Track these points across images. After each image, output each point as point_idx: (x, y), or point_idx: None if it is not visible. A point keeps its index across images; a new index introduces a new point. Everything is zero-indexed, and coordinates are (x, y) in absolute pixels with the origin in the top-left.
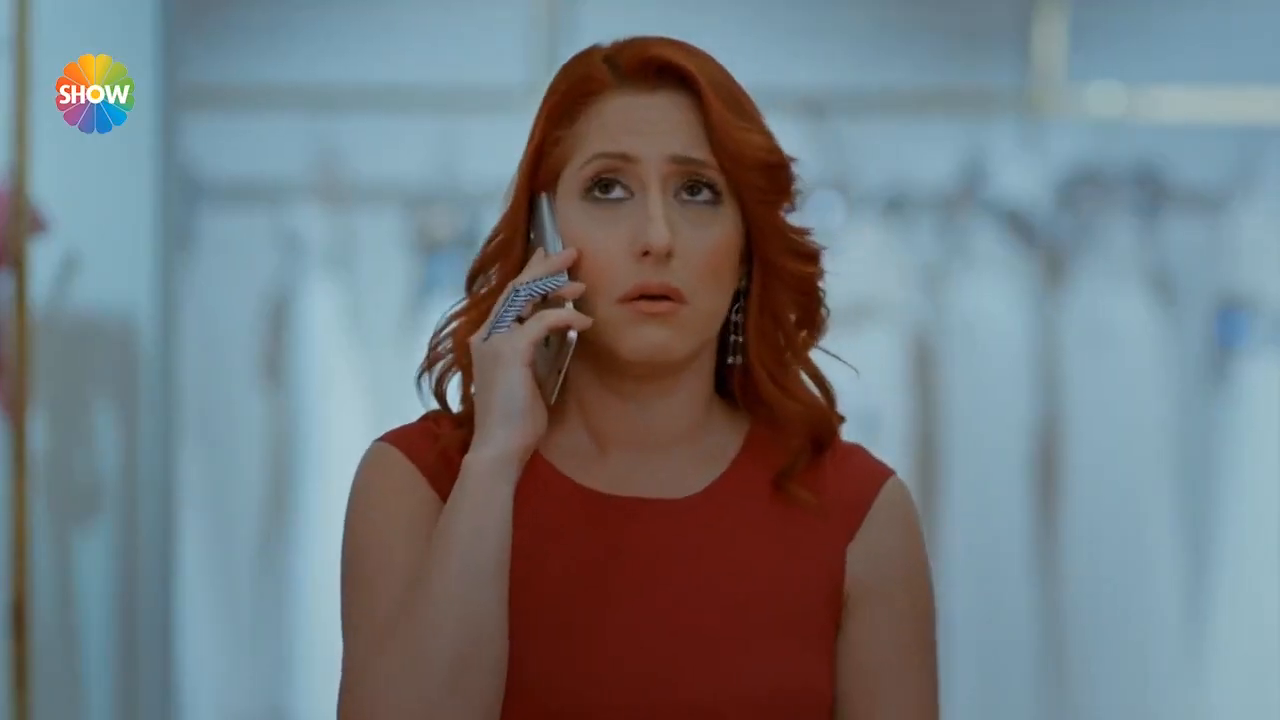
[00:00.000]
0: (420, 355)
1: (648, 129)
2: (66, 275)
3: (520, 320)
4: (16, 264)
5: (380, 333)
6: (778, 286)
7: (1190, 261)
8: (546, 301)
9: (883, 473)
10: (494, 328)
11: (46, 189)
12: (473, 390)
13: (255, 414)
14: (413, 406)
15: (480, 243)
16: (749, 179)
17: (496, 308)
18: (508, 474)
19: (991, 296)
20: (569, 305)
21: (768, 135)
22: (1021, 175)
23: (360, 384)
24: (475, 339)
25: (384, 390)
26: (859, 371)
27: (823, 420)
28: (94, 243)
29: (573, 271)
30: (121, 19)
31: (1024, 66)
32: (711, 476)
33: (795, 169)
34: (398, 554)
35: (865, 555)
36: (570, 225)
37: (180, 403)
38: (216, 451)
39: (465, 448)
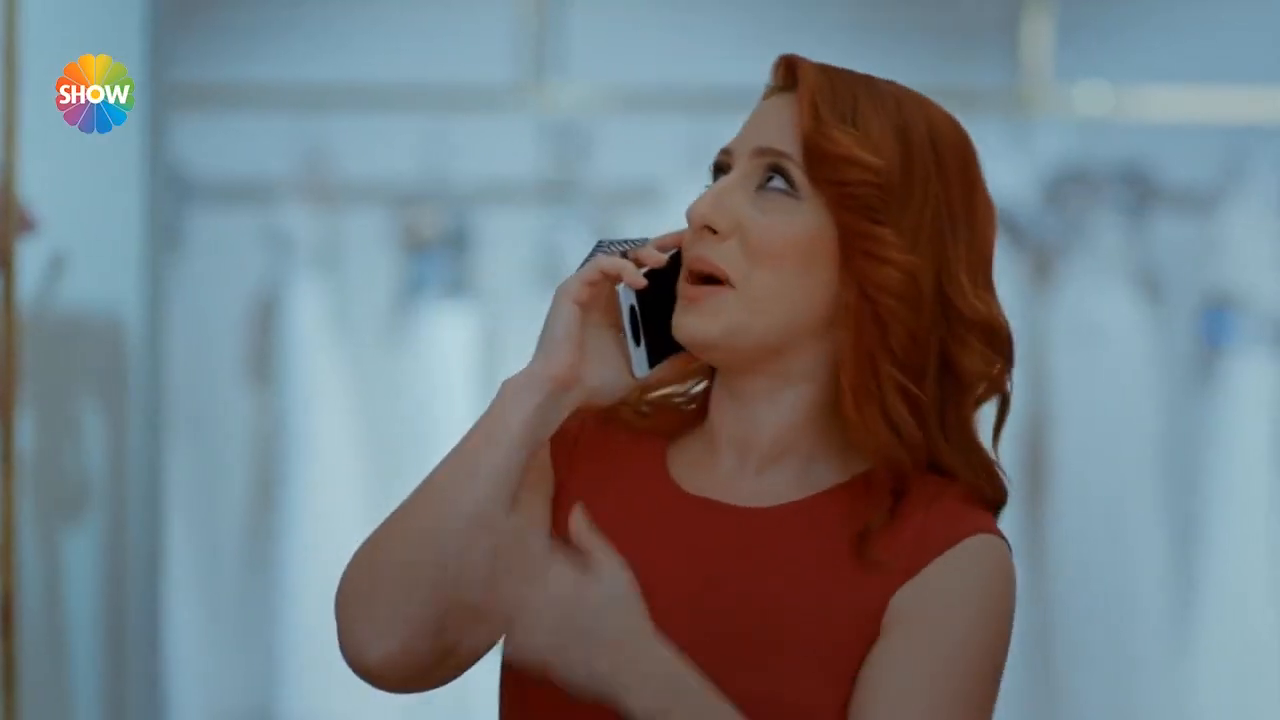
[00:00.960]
0: (406, 353)
1: (752, 124)
2: (54, 274)
3: None
4: (4, 263)
5: (367, 331)
6: (865, 298)
7: (1177, 260)
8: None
9: (970, 528)
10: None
11: (35, 188)
12: None
13: (242, 412)
14: (397, 403)
15: (465, 242)
16: (823, 174)
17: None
18: (529, 397)
19: None
20: (633, 265)
21: (867, 144)
22: (1009, 174)
23: (347, 382)
24: None
25: (370, 388)
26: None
27: (894, 461)
28: (82, 242)
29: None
30: (110, 19)
31: (1011, 65)
32: (794, 497)
33: (886, 183)
34: None
35: (909, 590)
36: None
37: (168, 401)
38: (204, 450)
39: (611, 427)
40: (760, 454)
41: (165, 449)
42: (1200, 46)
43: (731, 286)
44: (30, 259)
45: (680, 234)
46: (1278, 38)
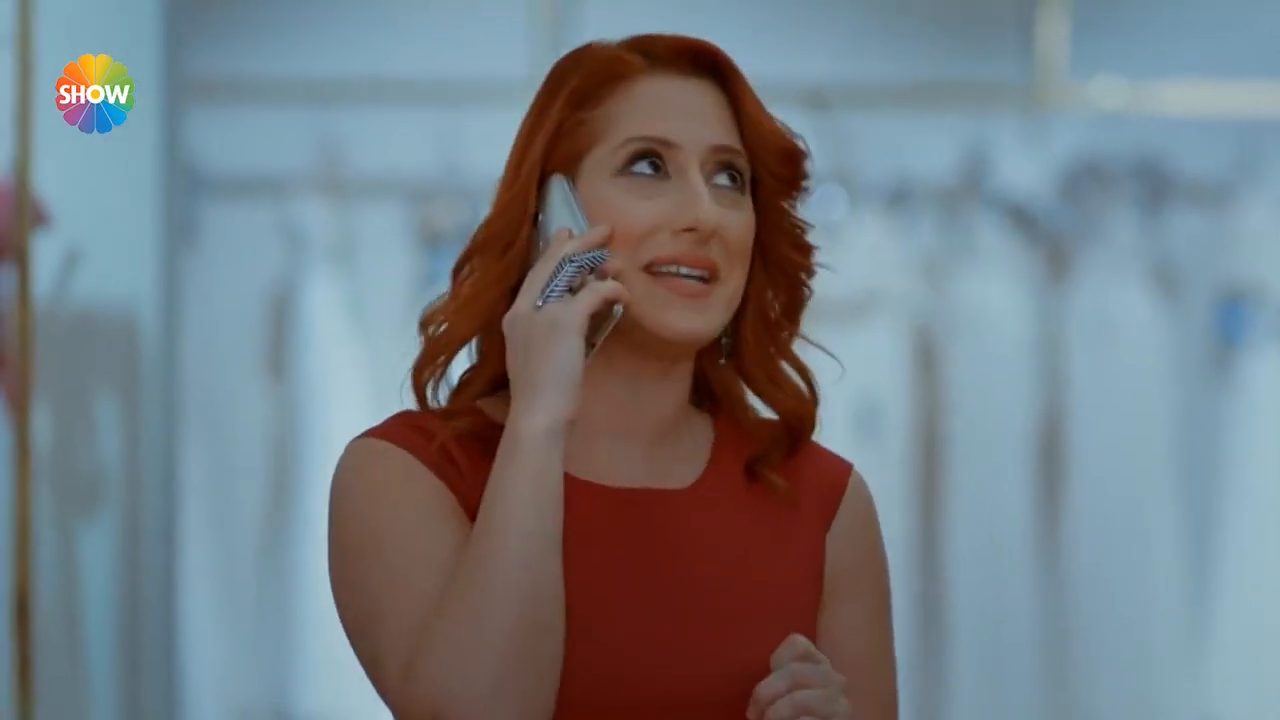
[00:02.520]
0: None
1: (686, 115)
2: (69, 269)
3: (572, 291)
4: (19, 258)
5: (382, 326)
6: (778, 277)
7: (1193, 255)
8: (593, 275)
9: (846, 464)
10: (547, 296)
11: (49, 183)
12: (512, 360)
13: (257, 407)
14: (413, 398)
15: None
16: (772, 167)
17: (545, 278)
18: (558, 441)
19: (994, 289)
20: (612, 280)
21: (785, 126)
22: (1024, 168)
23: (362, 377)
24: (523, 308)
25: (385, 383)
26: (845, 369)
27: (808, 413)
28: (97, 236)
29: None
30: (124, 13)
31: (1027, 60)
32: (697, 470)
33: (809, 163)
34: (420, 540)
35: (842, 545)
36: (603, 202)
37: (182, 396)
38: (219, 445)
39: (467, 437)
40: (647, 434)
41: (180, 444)
42: (1215, 41)
43: (718, 283)
44: (45, 254)
45: (606, 228)
46: None
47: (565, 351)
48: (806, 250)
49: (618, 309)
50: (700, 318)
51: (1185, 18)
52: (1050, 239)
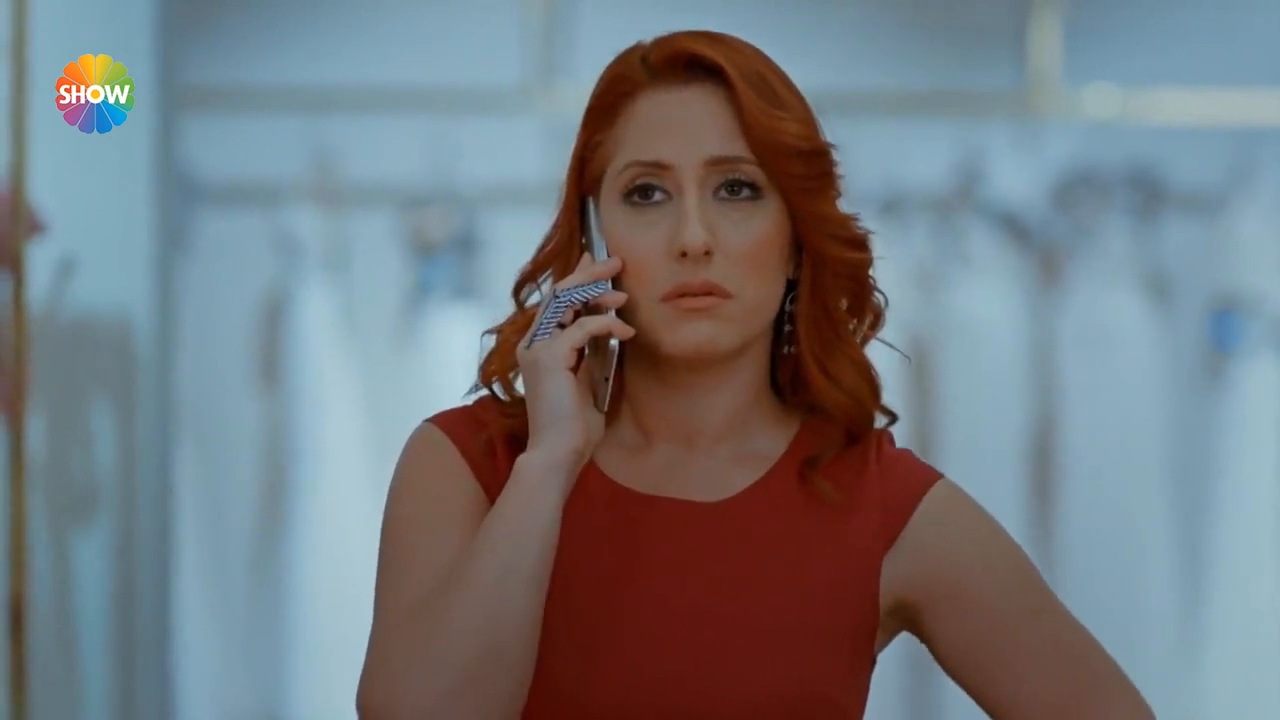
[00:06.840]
0: (414, 356)
1: (681, 130)
2: (64, 276)
3: (562, 326)
4: (14, 265)
5: (375, 333)
6: (826, 274)
7: (1185, 263)
8: (589, 308)
9: (927, 480)
10: (535, 335)
11: (44, 191)
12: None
13: (251, 415)
14: (406, 406)
15: (473, 245)
16: (786, 168)
17: (539, 314)
18: (556, 479)
19: (987, 298)
20: (611, 313)
21: (804, 122)
22: (1017, 176)
23: (355, 385)
24: (520, 346)
25: (379, 390)
26: (911, 360)
27: (864, 412)
28: (91, 244)
29: (617, 278)
30: (118, 21)
31: (1019, 68)
32: (751, 479)
33: (835, 155)
34: (425, 540)
35: (914, 563)
36: (612, 229)
37: (177, 403)
38: (213, 452)
39: (511, 438)
40: (707, 440)
41: (174, 451)
42: (1208, 49)
43: (731, 297)
44: (40, 262)
45: (615, 262)
46: None
47: (553, 390)
48: (855, 244)
49: (613, 343)
50: (710, 327)
51: (1178, 26)
52: (1043, 247)
